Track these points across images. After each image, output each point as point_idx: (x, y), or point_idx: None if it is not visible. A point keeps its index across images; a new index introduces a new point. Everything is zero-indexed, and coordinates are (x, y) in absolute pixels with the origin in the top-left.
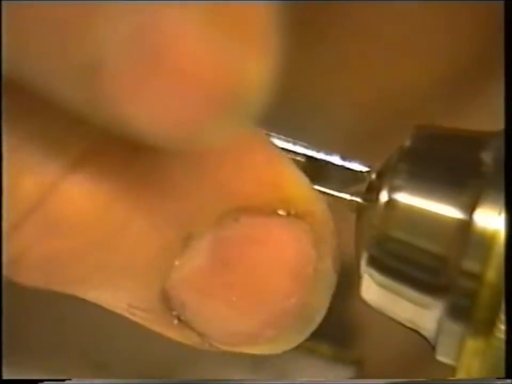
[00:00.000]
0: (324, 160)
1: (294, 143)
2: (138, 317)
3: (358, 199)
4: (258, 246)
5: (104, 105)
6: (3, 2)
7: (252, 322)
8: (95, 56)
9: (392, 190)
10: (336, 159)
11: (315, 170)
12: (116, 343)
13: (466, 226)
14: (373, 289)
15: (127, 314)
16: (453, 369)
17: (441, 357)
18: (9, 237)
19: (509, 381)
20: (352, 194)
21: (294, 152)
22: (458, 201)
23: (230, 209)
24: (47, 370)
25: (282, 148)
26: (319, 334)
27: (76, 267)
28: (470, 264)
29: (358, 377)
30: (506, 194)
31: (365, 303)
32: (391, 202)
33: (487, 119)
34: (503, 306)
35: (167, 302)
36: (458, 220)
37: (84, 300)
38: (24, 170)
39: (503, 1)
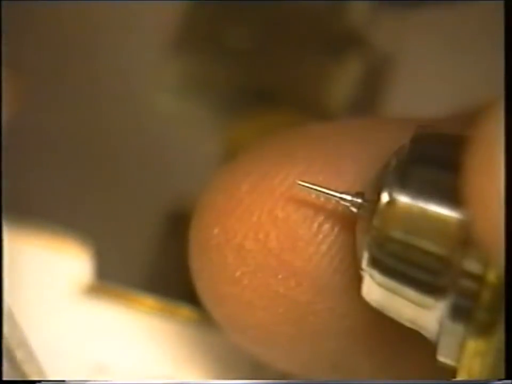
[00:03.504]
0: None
1: None
2: None
3: (359, 200)
4: None
5: None
6: (3, 2)
7: None
8: None
9: (393, 190)
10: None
11: None
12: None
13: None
14: (374, 289)
15: None
16: (454, 370)
17: (442, 358)
18: None
19: (508, 381)
20: (353, 195)
21: None
22: (460, 202)
23: None
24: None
25: None
26: None
27: None
28: (471, 265)
29: None
30: (506, 193)
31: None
32: (392, 202)
33: None
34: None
35: None
36: (460, 221)
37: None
38: None
39: (503, 1)
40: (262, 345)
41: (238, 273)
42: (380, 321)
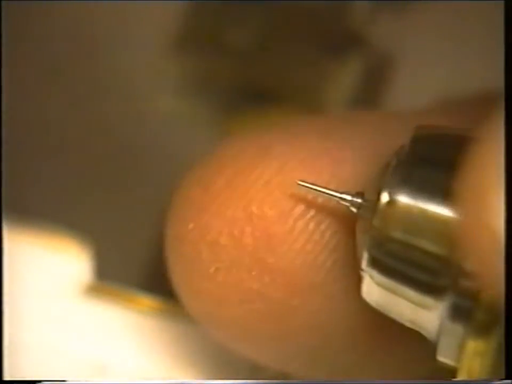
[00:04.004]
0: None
1: None
2: None
3: (359, 200)
4: None
5: None
6: (3, 2)
7: None
8: None
9: (393, 190)
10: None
11: None
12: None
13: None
14: (373, 289)
15: None
16: (454, 370)
17: (442, 358)
18: None
19: (508, 381)
20: (353, 195)
21: None
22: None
23: None
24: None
25: None
26: None
27: None
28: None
29: None
30: (506, 194)
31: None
32: (391, 202)
33: None
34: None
35: None
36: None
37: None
38: None
39: (503, 1)
40: (237, 341)
41: (212, 269)
42: (357, 316)
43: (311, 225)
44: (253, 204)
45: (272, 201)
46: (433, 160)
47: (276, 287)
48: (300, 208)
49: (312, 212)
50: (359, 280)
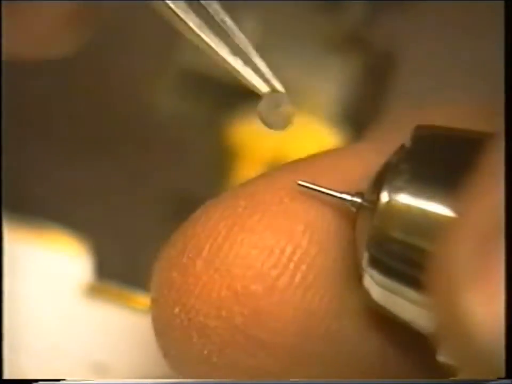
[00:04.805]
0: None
1: None
2: None
3: (359, 200)
4: None
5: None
6: (3, 2)
7: None
8: None
9: (392, 190)
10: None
11: None
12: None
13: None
14: (373, 289)
15: None
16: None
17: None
18: None
19: (508, 381)
20: (353, 195)
21: None
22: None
23: None
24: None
25: None
26: None
27: None
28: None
29: None
30: (506, 194)
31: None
32: (391, 202)
33: None
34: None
35: None
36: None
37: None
38: None
39: (503, 1)
40: None
41: (205, 352)
42: (359, 368)
43: (298, 294)
44: (236, 282)
45: (255, 276)
46: (433, 160)
47: (273, 362)
48: (284, 278)
49: (297, 280)
50: (354, 345)
